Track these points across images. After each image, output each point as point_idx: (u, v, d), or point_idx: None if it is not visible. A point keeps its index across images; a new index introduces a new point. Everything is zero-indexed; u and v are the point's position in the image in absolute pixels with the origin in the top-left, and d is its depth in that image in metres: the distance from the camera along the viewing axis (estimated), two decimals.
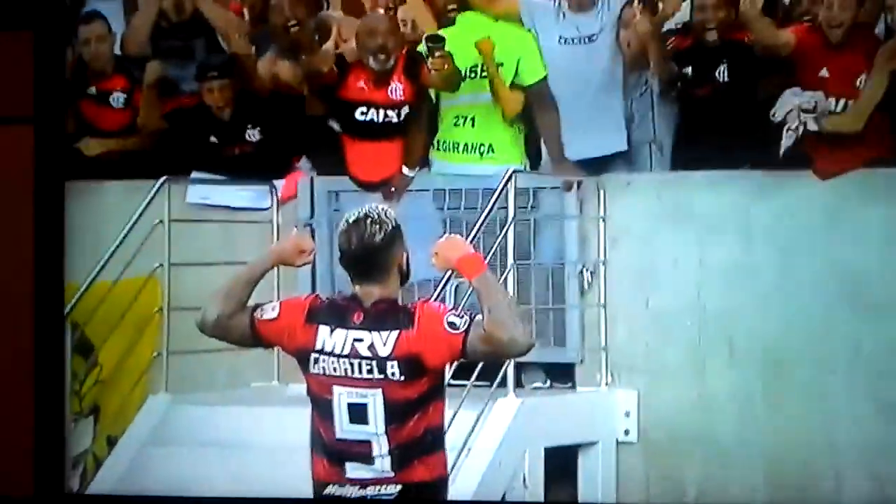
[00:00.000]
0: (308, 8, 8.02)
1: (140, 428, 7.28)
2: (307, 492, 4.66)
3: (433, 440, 4.59)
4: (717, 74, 7.54)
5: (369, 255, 4.61)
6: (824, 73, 7.28)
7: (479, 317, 4.52)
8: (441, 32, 7.77)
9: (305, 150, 8.05)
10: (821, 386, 7.30)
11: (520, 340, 4.48)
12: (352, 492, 4.55)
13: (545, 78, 7.68)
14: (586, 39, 7.67)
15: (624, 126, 7.71)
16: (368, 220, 4.67)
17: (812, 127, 7.21)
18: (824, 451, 7.28)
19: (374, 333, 4.55)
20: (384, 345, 4.54)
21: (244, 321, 4.69)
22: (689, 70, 7.56)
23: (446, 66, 7.52)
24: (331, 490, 4.57)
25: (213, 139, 7.99)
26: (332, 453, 4.58)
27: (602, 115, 7.68)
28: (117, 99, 8.04)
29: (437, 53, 7.52)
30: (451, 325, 4.51)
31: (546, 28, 7.70)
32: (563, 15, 7.67)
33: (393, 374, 4.53)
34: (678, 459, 7.40)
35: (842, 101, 7.32)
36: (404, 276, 4.71)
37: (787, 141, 7.24)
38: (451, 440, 6.61)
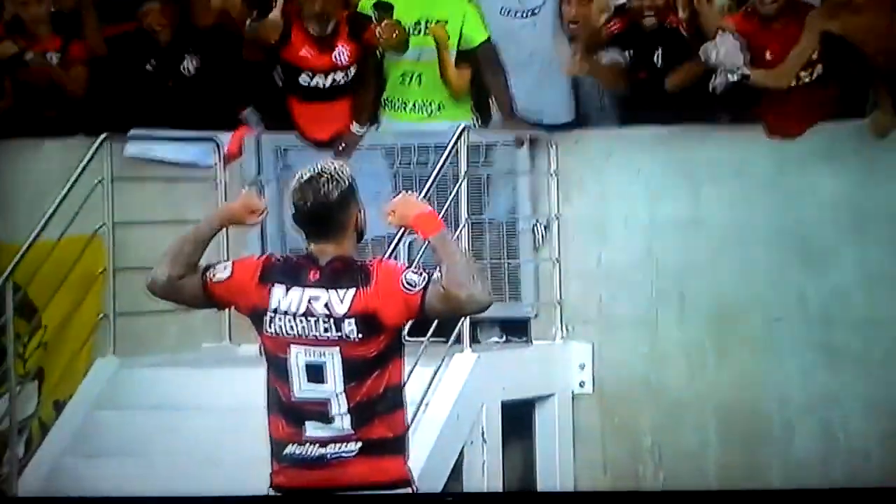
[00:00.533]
0: None
1: (88, 391, 7.11)
2: (260, 452, 4.56)
3: (393, 397, 4.51)
4: (654, 59, 7.51)
5: (325, 212, 4.48)
6: (768, 55, 7.32)
7: (436, 275, 4.43)
8: None
9: (250, 99, 7.90)
10: (769, 337, 7.32)
11: (478, 297, 4.41)
12: (311, 451, 4.45)
13: (489, 39, 7.62)
14: (528, 13, 7.63)
15: (571, 97, 7.68)
16: (323, 178, 4.51)
17: (732, 78, 7.18)
18: (773, 400, 7.31)
19: (331, 292, 4.45)
20: (341, 303, 4.44)
21: (195, 282, 4.55)
22: (628, 53, 7.52)
23: (395, 34, 7.49)
24: (290, 450, 4.47)
25: (149, 67, 7.79)
26: (290, 413, 4.49)
27: (549, 86, 7.64)
28: (51, 58, 7.86)
29: (384, 22, 7.49)
30: (409, 283, 4.42)
31: None
32: None
33: (350, 332, 4.44)
34: (632, 410, 7.38)
35: (797, 79, 7.28)
36: (360, 234, 4.60)
37: (719, 82, 7.22)
38: (409, 396, 6.43)
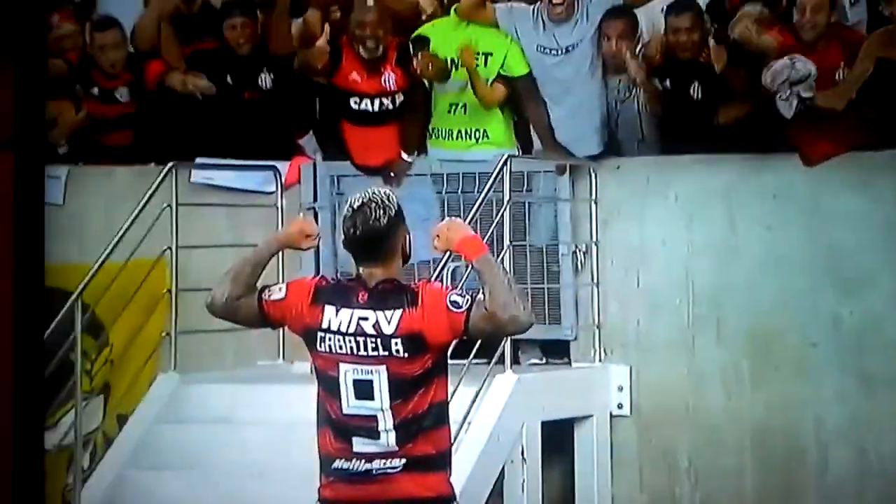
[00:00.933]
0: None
1: (150, 406, 7.41)
2: (311, 466, 4.73)
3: (437, 415, 4.66)
4: (691, 92, 7.70)
5: (373, 238, 4.65)
6: None
7: (479, 296, 4.60)
8: (426, 29, 7.96)
9: (308, 126, 8.19)
10: (804, 361, 7.48)
11: (521, 318, 4.56)
12: (358, 465, 4.61)
13: (530, 73, 7.85)
14: (564, 50, 7.81)
15: (600, 130, 7.85)
16: (373, 205, 4.70)
17: (806, 94, 7.34)
18: (809, 423, 7.46)
19: (379, 312, 4.60)
20: (388, 323, 4.59)
21: (252, 303, 4.74)
22: (667, 82, 7.75)
23: (430, 67, 7.75)
24: (338, 464, 4.64)
25: (228, 80, 8.10)
26: (339, 428, 4.65)
27: (581, 119, 7.83)
28: (120, 95, 8.22)
29: (420, 55, 7.76)
30: (454, 303, 4.57)
31: (525, 35, 7.84)
32: (543, 25, 7.81)
33: (397, 350, 4.59)
34: (669, 431, 7.58)
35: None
36: (406, 258, 4.78)
37: (785, 110, 7.38)
38: (452, 416, 6.77)
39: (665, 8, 7.85)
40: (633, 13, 7.91)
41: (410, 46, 7.89)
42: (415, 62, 7.77)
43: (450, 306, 4.59)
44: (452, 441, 5.93)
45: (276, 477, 6.85)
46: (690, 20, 7.71)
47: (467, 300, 4.61)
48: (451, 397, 6.35)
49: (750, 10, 7.56)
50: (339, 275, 7.85)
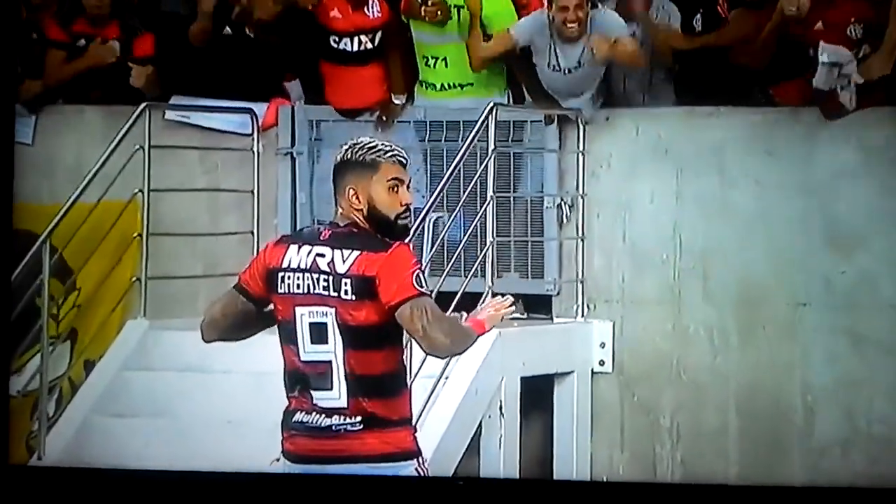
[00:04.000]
0: None
1: (118, 352, 7.04)
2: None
3: (391, 385, 4.38)
4: (693, 23, 7.44)
5: None
6: (819, 25, 7.17)
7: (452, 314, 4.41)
8: None
9: (296, 69, 7.81)
10: (793, 320, 7.15)
11: (439, 353, 4.40)
12: (318, 420, 4.35)
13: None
14: (569, 70, 7.44)
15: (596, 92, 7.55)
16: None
17: (858, 80, 7.06)
18: (796, 384, 7.13)
19: (336, 251, 4.35)
20: (343, 262, 4.33)
21: (237, 301, 4.50)
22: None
23: (440, 14, 7.42)
24: (298, 417, 4.38)
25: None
26: (298, 378, 4.40)
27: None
28: (114, 46, 7.79)
29: (430, 2, 7.41)
30: (417, 278, 4.29)
31: (540, 52, 7.44)
32: (554, 46, 7.41)
33: (346, 291, 4.32)
34: (652, 389, 7.25)
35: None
36: None
37: (848, 101, 7.10)
38: (429, 369, 6.48)
39: None
40: None
41: None
42: (423, 9, 7.41)
43: (413, 277, 4.29)
44: (427, 398, 5.68)
45: (245, 427, 6.51)
46: None
47: (427, 291, 4.32)
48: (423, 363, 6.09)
49: None
50: (314, 219, 7.59)
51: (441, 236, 7.18)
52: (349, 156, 4.38)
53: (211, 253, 7.59)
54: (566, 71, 7.49)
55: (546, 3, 7.48)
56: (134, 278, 7.25)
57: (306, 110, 7.77)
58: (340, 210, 4.38)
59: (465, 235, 7.18)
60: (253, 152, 7.65)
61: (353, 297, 4.33)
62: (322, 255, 4.38)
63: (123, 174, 7.26)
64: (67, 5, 7.92)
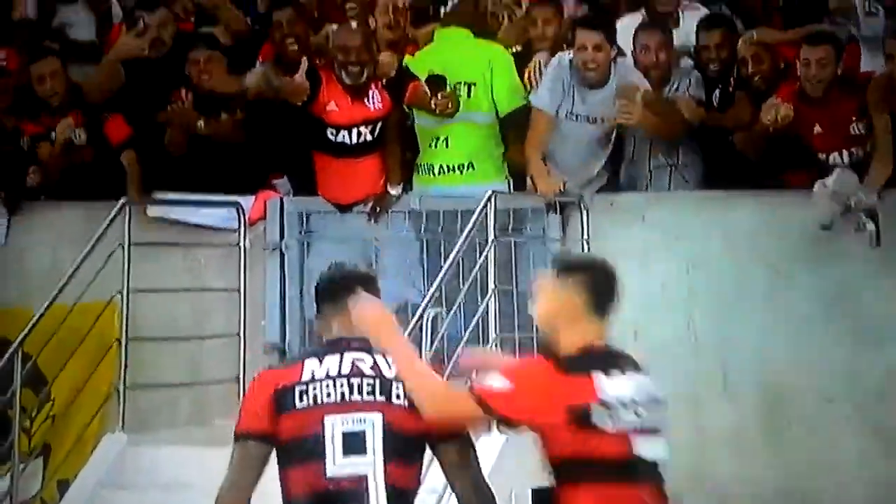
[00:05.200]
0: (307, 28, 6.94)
1: (94, 469, 5.95)
2: None
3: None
4: (712, 99, 6.70)
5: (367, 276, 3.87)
6: (818, 129, 6.39)
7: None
8: (423, 53, 6.81)
9: (284, 167, 6.89)
10: (821, 418, 6.13)
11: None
12: None
13: (524, 107, 6.66)
14: (590, 119, 6.60)
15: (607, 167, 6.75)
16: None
17: (872, 201, 6.18)
18: (829, 486, 6.09)
19: (378, 356, 3.73)
20: (389, 367, 3.71)
21: (256, 451, 3.71)
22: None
23: (450, 107, 6.64)
24: None
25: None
26: (320, 501, 3.64)
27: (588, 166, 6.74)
28: (78, 135, 6.84)
29: (441, 95, 6.63)
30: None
31: (557, 99, 6.57)
32: (573, 91, 6.55)
33: (398, 395, 3.69)
34: (674, 499, 6.20)
35: (850, 154, 6.40)
36: None
37: (832, 212, 6.21)
38: (430, 483, 5.48)
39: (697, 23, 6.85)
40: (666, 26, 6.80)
41: (426, 86, 6.66)
42: (433, 102, 6.62)
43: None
44: None
45: None
46: (720, 36, 6.73)
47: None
48: (431, 461, 5.17)
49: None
50: (305, 318, 6.61)
51: (440, 332, 6.20)
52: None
53: (195, 358, 6.53)
54: (587, 119, 6.57)
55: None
56: (112, 388, 6.23)
57: (296, 202, 6.81)
58: (340, 326, 3.76)
59: (465, 331, 6.23)
60: (240, 248, 6.67)
61: (406, 403, 3.71)
62: (362, 360, 3.77)
63: (102, 274, 6.29)
64: (22, 103, 6.99)
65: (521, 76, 6.77)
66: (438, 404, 3.66)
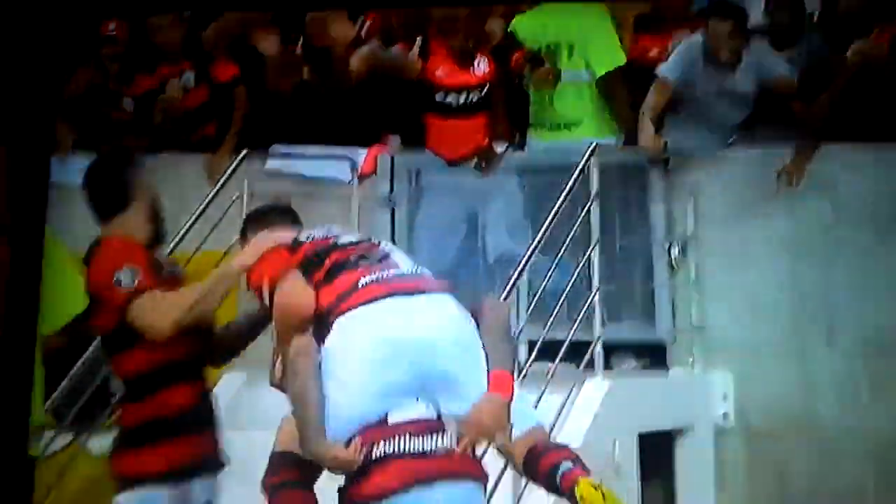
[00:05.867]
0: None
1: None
2: None
3: None
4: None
5: None
6: None
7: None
8: (527, 15, 6.67)
9: (395, 126, 6.82)
10: None
11: None
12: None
13: (622, 68, 6.53)
14: (719, 96, 6.42)
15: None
16: None
17: None
18: None
19: None
20: None
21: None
22: None
23: (547, 80, 6.54)
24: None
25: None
26: None
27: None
28: (188, 79, 6.85)
29: (541, 70, 6.53)
30: None
31: (682, 70, 6.41)
32: (703, 68, 6.37)
33: None
34: (780, 445, 5.96)
35: None
36: None
37: None
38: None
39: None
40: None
41: (527, 66, 6.56)
42: (535, 78, 6.53)
43: None
44: None
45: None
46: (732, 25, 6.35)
47: None
48: (538, 403, 5.04)
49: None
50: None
51: (543, 284, 6.07)
52: None
53: None
54: (715, 96, 6.38)
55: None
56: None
57: (406, 158, 6.72)
58: None
59: (569, 282, 6.09)
60: (352, 201, 6.62)
61: None
62: None
63: (222, 224, 6.28)
64: (134, 59, 6.97)
65: None
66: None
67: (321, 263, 3.72)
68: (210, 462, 4.07)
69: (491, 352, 3.57)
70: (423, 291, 3.63)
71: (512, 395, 3.55)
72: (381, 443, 3.50)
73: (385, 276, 3.66)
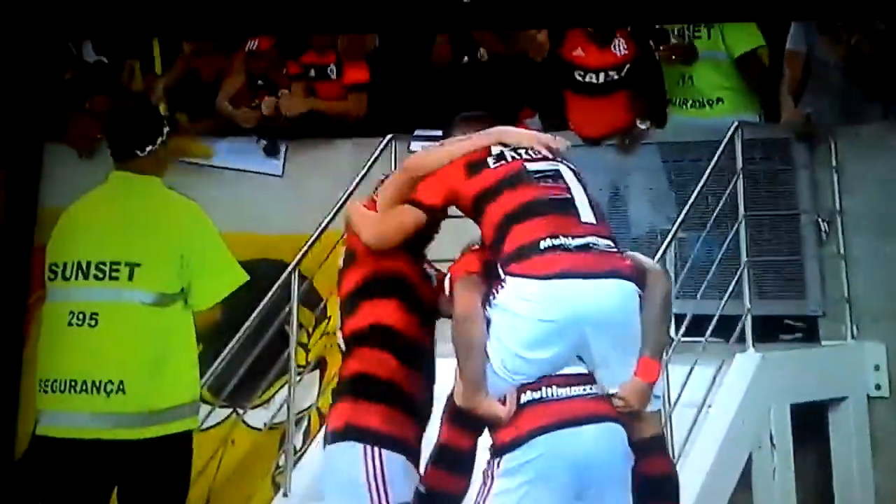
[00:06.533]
0: None
1: None
2: None
3: None
4: None
5: None
6: None
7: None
8: None
9: (534, 104, 6.70)
10: None
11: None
12: None
13: (757, 49, 6.32)
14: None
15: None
16: None
17: None
18: None
19: None
20: None
21: None
22: None
23: (674, 57, 6.38)
24: None
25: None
26: None
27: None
28: (332, 71, 6.85)
29: (662, 48, 6.36)
30: None
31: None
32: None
33: None
34: None
35: None
36: None
37: None
38: (689, 397, 5.21)
39: None
40: None
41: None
42: (668, 53, 6.36)
43: None
44: (689, 425, 4.54)
45: None
46: None
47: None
48: (688, 378, 4.90)
49: None
50: None
51: (691, 258, 5.90)
52: None
53: None
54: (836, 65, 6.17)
55: None
56: None
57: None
58: None
59: (717, 257, 5.90)
60: None
61: None
62: None
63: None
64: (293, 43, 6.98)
65: None
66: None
67: (511, 186, 3.64)
68: (411, 449, 3.82)
69: (647, 334, 3.57)
70: (600, 274, 3.53)
71: (656, 381, 3.56)
72: (529, 392, 3.53)
73: (566, 244, 3.56)
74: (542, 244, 3.57)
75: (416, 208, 3.72)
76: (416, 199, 3.74)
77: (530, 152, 3.76)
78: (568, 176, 3.73)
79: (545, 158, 3.77)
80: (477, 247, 3.80)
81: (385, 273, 3.74)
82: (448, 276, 3.71)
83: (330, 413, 3.82)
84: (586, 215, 3.66)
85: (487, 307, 3.60)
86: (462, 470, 3.66)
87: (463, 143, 3.78)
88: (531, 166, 3.72)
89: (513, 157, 3.75)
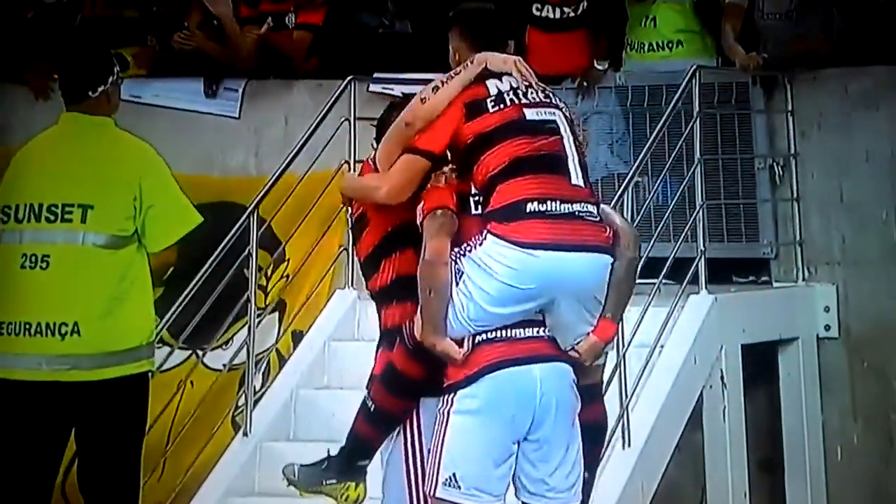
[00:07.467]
0: None
1: (326, 323, 5.85)
2: None
3: None
4: None
5: None
6: None
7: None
8: None
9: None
10: None
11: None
12: None
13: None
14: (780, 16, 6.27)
15: None
16: None
17: None
18: None
19: None
20: None
21: None
22: None
23: None
24: None
25: None
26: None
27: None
28: (290, 19, 6.74)
29: None
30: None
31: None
32: None
33: None
34: (882, 354, 5.74)
35: None
36: None
37: None
38: (642, 338, 5.22)
39: None
40: None
41: None
42: None
43: None
44: (642, 366, 4.54)
45: None
46: None
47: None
48: (641, 319, 4.91)
49: None
50: None
51: (647, 202, 5.88)
52: None
53: None
54: (778, 16, 6.13)
55: None
56: (341, 248, 6.09)
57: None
58: None
59: (672, 200, 5.89)
60: None
61: None
62: None
63: (330, 146, 6.16)
64: None
65: None
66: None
67: (505, 137, 3.58)
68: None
69: (611, 296, 3.60)
70: (580, 247, 3.53)
71: (611, 341, 3.65)
72: (484, 334, 3.56)
73: (552, 209, 3.52)
74: (528, 207, 3.52)
75: (421, 157, 3.65)
76: (421, 148, 3.67)
77: (529, 96, 3.66)
78: (563, 127, 3.65)
79: (543, 104, 3.66)
80: (450, 173, 3.70)
81: (399, 227, 3.72)
82: (421, 203, 3.65)
83: (377, 360, 3.87)
84: (576, 177, 3.60)
85: (461, 257, 3.57)
86: (408, 396, 3.68)
87: (454, 82, 3.69)
88: (529, 114, 3.63)
89: (512, 102, 3.64)
